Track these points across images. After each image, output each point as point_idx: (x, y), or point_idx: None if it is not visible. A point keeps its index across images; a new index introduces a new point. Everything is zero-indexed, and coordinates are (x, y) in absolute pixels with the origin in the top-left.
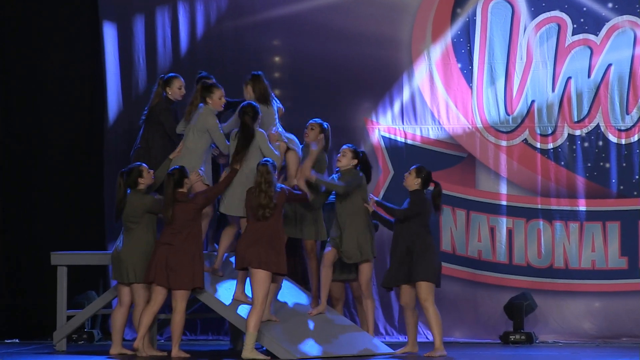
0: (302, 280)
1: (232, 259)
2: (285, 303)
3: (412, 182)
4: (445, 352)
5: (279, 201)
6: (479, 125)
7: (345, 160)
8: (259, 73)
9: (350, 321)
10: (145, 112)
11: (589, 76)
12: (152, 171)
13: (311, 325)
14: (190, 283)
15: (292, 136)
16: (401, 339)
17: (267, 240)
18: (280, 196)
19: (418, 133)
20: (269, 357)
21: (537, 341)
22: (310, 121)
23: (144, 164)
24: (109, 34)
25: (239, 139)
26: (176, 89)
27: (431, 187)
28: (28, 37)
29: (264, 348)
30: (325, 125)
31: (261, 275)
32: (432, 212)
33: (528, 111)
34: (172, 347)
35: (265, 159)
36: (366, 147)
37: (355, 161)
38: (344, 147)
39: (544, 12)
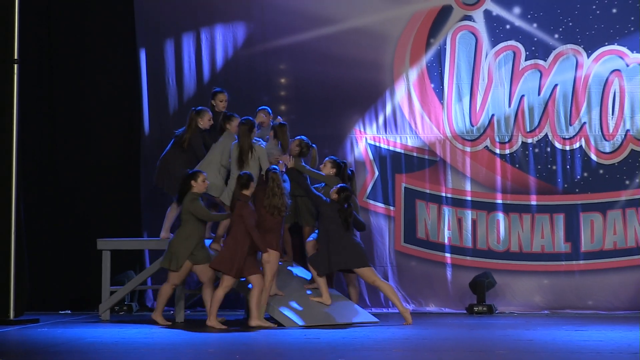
0: (301, 260)
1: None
2: (288, 280)
3: (333, 195)
4: (409, 307)
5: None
6: (449, 134)
7: (325, 170)
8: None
9: (340, 293)
10: (177, 135)
11: (539, 94)
12: (207, 182)
13: (309, 298)
14: (227, 269)
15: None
16: (384, 310)
17: (277, 230)
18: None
19: (398, 141)
20: (275, 325)
21: (496, 312)
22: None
23: (203, 172)
24: (145, 59)
25: (240, 155)
26: (206, 121)
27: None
28: (81, 64)
29: (267, 315)
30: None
31: (275, 257)
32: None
33: (489, 123)
34: (208, 317)
35: (274, 166)
36: (355, 153)
37: (334, 170)
38: (327, 159)
39: (502, 41)
